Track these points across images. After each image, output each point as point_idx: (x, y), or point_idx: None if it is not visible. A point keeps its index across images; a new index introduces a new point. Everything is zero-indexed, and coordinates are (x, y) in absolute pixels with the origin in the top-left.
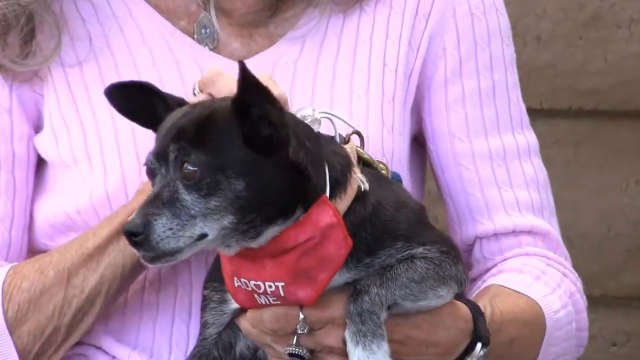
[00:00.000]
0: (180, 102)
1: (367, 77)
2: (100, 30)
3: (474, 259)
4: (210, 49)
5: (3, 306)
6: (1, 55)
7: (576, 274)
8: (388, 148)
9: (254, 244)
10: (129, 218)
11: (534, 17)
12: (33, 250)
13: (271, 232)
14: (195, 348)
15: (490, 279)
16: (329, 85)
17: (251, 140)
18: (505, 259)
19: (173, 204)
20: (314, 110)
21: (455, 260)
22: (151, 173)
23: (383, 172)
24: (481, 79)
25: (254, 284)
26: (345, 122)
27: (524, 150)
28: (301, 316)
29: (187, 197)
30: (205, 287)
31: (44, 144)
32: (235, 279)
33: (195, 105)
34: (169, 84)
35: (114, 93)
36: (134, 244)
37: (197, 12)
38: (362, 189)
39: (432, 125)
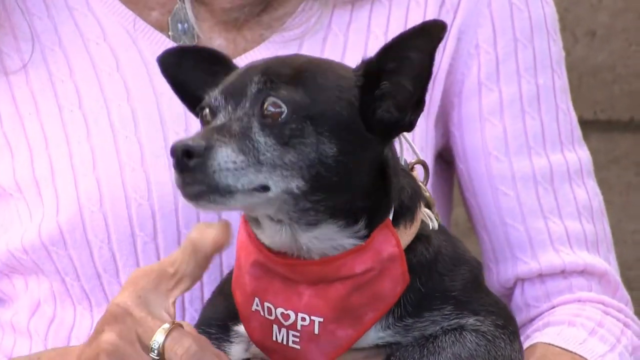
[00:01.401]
0: None
1: None
2: (51, 26)
3: (514, 305)
4: None
5: None
6: None
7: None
8: (428, 181)
9: (305, 238)
10: (186, 138)
11: (587, 7)
12: None
13: (328, 231)
14: None
15: (536, 335)
16: None
17: (365, 113)
18: (553, 307)
19: (243, 139)
20: None
21: (512, 338)
22: (210, 112)
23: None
24: (523, 83)
25: (282, 313)
26: (412, 147)
27: (575, 171)
28: None
29: (260, 139)
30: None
31: None
32: (257, 300)
33: (292, 55)
34: (137, 91)
35: (168, 60)
36: (183, 169)
37: (172, 1)
38: (430, 227)
39: (462, 140)
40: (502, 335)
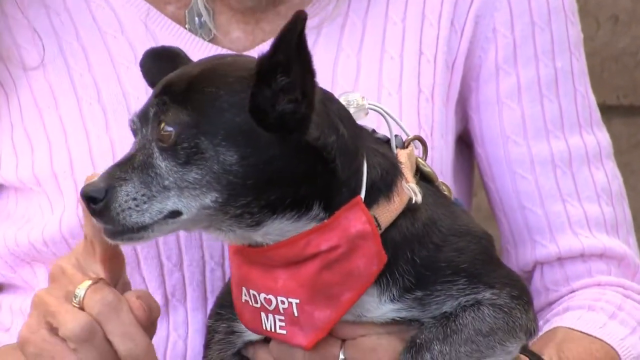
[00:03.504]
0: None
1: (399, 69)
2: (69, 19)
3: (534, 289)
4: (207, 41)
5: None
6: None
7: None
8: (427, 155)
9: (257, 236)
10: (92, 180)
11: None
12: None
13: (279, 225)
14: None
15: (556, 320)
16: (351, 79)
17: (259, 111)
18: (573, 291)
19: (145, 170)
20: (363, 97)
21: (527, 307)
22: (134, 133)
23: (445, 193)
24: (541, 66)
25: (264, 298)
26: (399, 124)
27: (594, 154)
28: (341, 357)
29: (161, 164)
30: (210, 316)
31: (5, 162)
32: (244, 289)
33: (204, 59)
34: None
35: (147, 62)
36: (94, 213)
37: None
38: (413, 201)
39: (480, 124)
40: (518, 306)
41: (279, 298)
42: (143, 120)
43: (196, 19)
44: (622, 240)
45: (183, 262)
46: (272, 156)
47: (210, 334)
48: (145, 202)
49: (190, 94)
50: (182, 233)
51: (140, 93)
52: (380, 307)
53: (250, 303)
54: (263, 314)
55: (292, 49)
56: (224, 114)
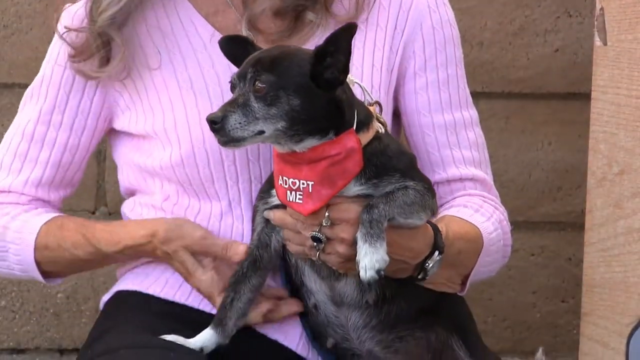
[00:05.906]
0: None
1: (360, 74)
2: (175, 40)
3: None
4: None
5: (36, 246)
6: (84, 66)
7: (503, 208)
8: (382, 111)
9: (296, 148)
10: (214, 112)
11: (478, 29)
12: (135, 186)
13: (309, 142)
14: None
15: (444, 212)
16: None
17: (316, 77)
18: (455, 198)
19: (245, 107)
20: (351, 76)
21: (433, 195)
22: (232, 87)
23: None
24: (439, 72)
25: (292, 181)
26: (366, 92)
27: (468, 122)
28: (327, 214)
29: (255, 105)
30: (256, 199)
31: (139, 122)
32: (280, 177)
33: (277, 46)
34: (223, 78)
35: (224, 43)
36: (213, 130)
37: (242, 31)
38: (379, 133)
39: (405, 104)
40: (428, 193)
41: (301, 181)
42: (241, 79)
43: None
44: (483, 171)
45: (239, 178)
46: (317, 104)
47: (255, 210)
48: (245, 125)
49: (274, 65)
50: (238, 166)
51: (215, 85)
52: (354, 188)
53: (283, 185)
54: (289, 192)
55: (343, 45)
56: (294, 78)
